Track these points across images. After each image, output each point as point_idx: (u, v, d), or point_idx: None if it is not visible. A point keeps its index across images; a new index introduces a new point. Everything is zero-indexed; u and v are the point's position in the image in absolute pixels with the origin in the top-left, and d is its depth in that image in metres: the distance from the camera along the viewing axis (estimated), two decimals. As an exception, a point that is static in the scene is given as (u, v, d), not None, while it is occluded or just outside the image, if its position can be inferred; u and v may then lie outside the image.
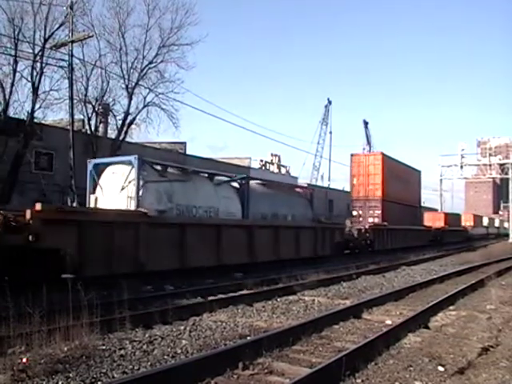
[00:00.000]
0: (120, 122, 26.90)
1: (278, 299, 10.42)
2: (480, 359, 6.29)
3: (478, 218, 66.42)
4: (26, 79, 22.69)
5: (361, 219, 28.51)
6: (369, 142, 64.54)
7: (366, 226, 26.93)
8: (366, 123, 68.48)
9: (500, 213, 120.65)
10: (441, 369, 5.78)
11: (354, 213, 29.21)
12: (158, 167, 14.53)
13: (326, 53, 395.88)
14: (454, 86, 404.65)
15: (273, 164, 52.64)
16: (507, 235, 60.64)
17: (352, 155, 30.77)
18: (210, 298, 10.01)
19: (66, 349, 5.84)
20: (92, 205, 14.02)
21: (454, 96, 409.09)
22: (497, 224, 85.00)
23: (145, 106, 27.04)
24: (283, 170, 54.01)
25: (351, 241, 25.52)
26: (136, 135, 29.36)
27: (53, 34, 22.94)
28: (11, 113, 22.42)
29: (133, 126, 27.56)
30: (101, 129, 28.22)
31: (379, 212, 28.74)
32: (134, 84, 26.41)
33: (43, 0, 22.39)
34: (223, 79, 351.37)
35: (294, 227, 19.27)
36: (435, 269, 18.26)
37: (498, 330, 7.91)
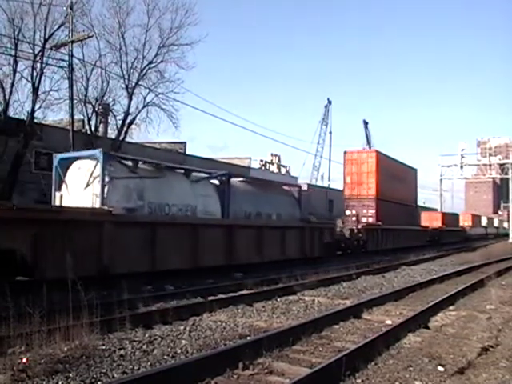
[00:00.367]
0: (120, 122, 26.91)
1: (278, 299, 10.42)
2: (480, 359, 6.29)
3: (476, 218, 66.02)
4: (26, 79, 22.72)
5: (354, 219, 27.62)
6: (369, 142, 64.63)
7: (359, 226, 26.09)
8: (365, 123, 68.61)
9: (499, 213, 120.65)
10: (441, 369, 5.78)
11: (348, 212, 28.27)
12: (128, 162, 13.69)
13: (326, 53, 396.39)
14: (453, 85, 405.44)
15: (273, 164, 52.68)
16: (507, 235, 60.64)
17: (345, 152, 29.82)
18: (210, 297, 10.01)
19: (66, 349, 5.84)
20: (57, 203, 13.14)
21: (453, 96, 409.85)
22: (496, 224, 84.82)
23: (145, 106, 27.05)
24: (283, 170, 54.04)
25: (343, 241, 24.76)
26: (136, 135, 29.37)
27: (53, 34, 22.96)
28: (11, 113, 22.45)
29: (133, 126, 27.57)
30: (101, 129, 28.21)
31: (373, 211, 27.77)
32: (134, 84, 26.41)
33: (43, 0, 22.40)
34: (223, 79, 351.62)
35: (280, 227, 18.35)
36: (435, 269, 18.27)
37: (497, 330, 7.91)
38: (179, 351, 6.24)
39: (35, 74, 22.50)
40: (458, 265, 19.84)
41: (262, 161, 50.63)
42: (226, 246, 15.13)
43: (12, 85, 22.07)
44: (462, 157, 56.79)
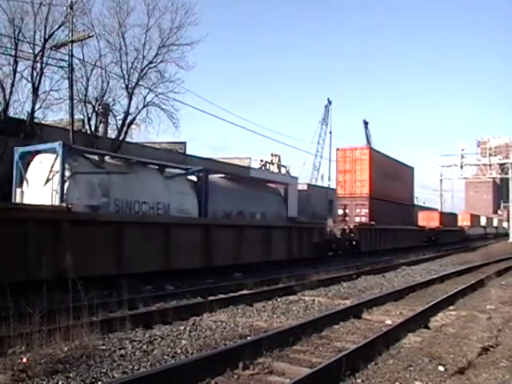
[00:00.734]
0: (120, 122, 26.87)
1: (278, 299, 10.42)
2: (480, 359, 6.29)
3: (475, 218, 65.46)
4: (26, 79, 22.69)
5: (347, 218, 26.64)
6: (369, 142, 64.58)
7: (351, 226, 25.01)
8: (365, 123, 68.73)
9: (499, 212, 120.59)
10: (441, 369, 5.78)
11: (340, 211, 27.33)
12: (94, 157, 12.75)
13: (326, 53, 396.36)
14: (454, 85, 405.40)
15: (273, 164, 52.60)
16: (506, 235, 60.58)
17: (337, 150, 28.92)
18: (210, 298, 10.02)
19: (66, 349, 5.84)
20: (18, 200, 12.32)
21: (453, 96, 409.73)
22: (495, 224, 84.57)
23: (145, 106, 27.02)
24: (283, 170, 54.01)
25: (333, 241, 23.78)
26: (136, 135, 29.36)
27: (53, 34, 22.94)
28: (11, 113, 22.41)
29: (133, 126, 27.54)
30: (101, 129, 28.18)
31: (366, 211, 26.80)
32: (134, 84, 26.39)
33: (43, 0, 22.40)
34: (223, 79, 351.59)
35: (263, 227, 17.25)
36: (435, 269, 18.28)
37: (498, 330, 7.91)
38: (179, 351, 6.25)
39: (35, 73, 22.49)
40: (458, 265, 19.86)
41: (262, 161, 50.54)
42: (203, 247, 14.13)
43: (12, 85, 22.06)
44: (462, 157, 56.75)
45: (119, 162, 13.63)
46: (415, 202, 71.84)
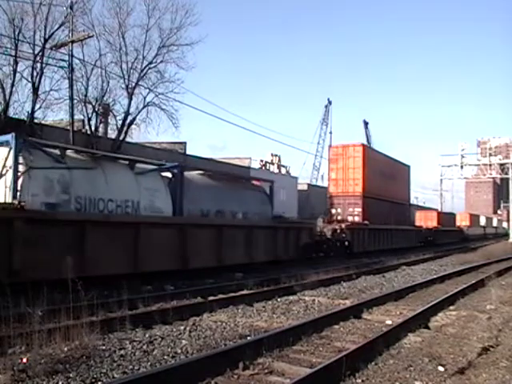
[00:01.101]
0: (120, 122, 26.91)
1: (279, 299, 10.42)
2: (480, 359, 6.29)
3: (474, 218, 64.56)
4: (26, 79, 22.74)
5: (339, 218, 25.54)
6: (369, 142, 64.66)
7: (342, 226, 23.72)
8: (366, 123, 68.89)
9: (499, 212, 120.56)
10: (441, 369, 5.78)
11: (333, 211, 26.21)
12: (54, 151, 11.78)
13: (327, 52, 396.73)
14: (454, 85, 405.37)
15: (273, 164, 52.62)
16: (506, 235, 60.50)
17: (330, 146, 27.84)
18: (210, 298, 10.01)
19: (66, 349, 5.84)
20: None
21: (454, 96, 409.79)
22: (495, 224, 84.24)
23: (145, 106, 27.06)
24: (283, 170, 54.03)
25: (324, 242, 22.63)
26: (136, 135, 29.41)
27: (53, 34, 22.98)
28: (11, 113, 22.46)
29: (133, 126, 27.58)
30: (101, 129, 28.21)
31: (359, 210, 25.68)
32: (134, 84, 26.42)
33: (43, 0, 22.42)
34: (223, 79, 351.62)
35: (245, 226, 16.20)
36: (435, 269, 18.28)
37: (498, 330, 7.91)
38: (179, 351, 6.25)
39: (35, 73, 22.53)
40: (458, 265, 19.86)
41: (262, 161, 50.58)
42: (178, 249, 13.22)
43: (12, 85, 22.10)
44: (462, 157, 56.74)
45: (83, 157, 12.58)
46: (415, 202, 71.90)
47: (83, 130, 26.07)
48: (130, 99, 26.56)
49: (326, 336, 7.29)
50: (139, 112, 27.02)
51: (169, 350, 6.32)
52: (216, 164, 36.11)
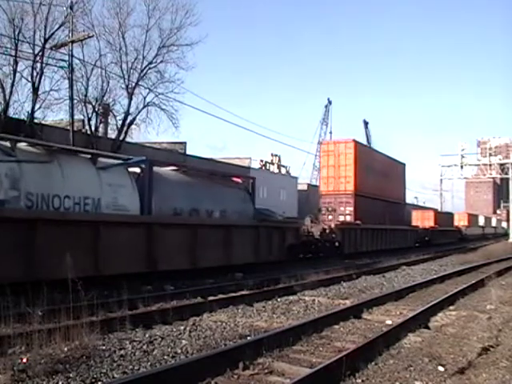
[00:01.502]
0: (120, 122, 26.99)
1: (279, 299, 10.41)
2: (480, 359, 6.29)
3: (473, 218, 63.64)
4: (26, 79, 22.80)
5: (330, 217, 24.45)
6: (369, 142, 64.76)
7: (332, 225, 22.54)
8: (365, 123, 69.02)
9: (498, 212, 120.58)
10: (441, 369, 5.78)
11: (323, 210, 25.06)
12: (3, 142, 10.71)
13: (327, 52, 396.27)
14: (454, 85, 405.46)
15: (273, 164, 52.70)
16: (505, 235, 60.47)
17: (321, 143, 27.27)
18: (210, 298, 10.02)
19: (66, 349, 5.84)
20: None
21: (454, 96, 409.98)
22: (494, 224, 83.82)
23: (145, 106, 27.14)
24: (283, 170, 54.09)
25: (312, 242, 21.41)
26: (136, 135, 29.49)
27: (53, 34, 23.04)
28: (11, 113, 22.52)
29: (133, 126, 27.67)
30: (101, 129, 28.27)
31: (351, 209, 24.54)
32: (133, 84, 26.47)
33: (43, 0, 22.45)
34: (223, 79, 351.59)
35: (223, 226, 15.02)
36: (435, 269, 18.28)
37: (498, 330, 7.91)
38: (179, 351, 6.25)
39: (35, 73, 22.59)
40: (458, 265, 19.86)
41: (262, 161, 50.66)
42: (145, 250, 12.22)
43: (12, 85, 22.15)
44: (462, 157, 56.80)
45: (37, 150, 11.42)
46: (415, 202, 71.88)
47: (83, 130, 26.11)
48: (130, 99, 26.63)
49: (326, 336, 7.29)
50: (139, 112, 27.12)
51: (169, 350, 6.31)
52: (216, 164, 36.14)
